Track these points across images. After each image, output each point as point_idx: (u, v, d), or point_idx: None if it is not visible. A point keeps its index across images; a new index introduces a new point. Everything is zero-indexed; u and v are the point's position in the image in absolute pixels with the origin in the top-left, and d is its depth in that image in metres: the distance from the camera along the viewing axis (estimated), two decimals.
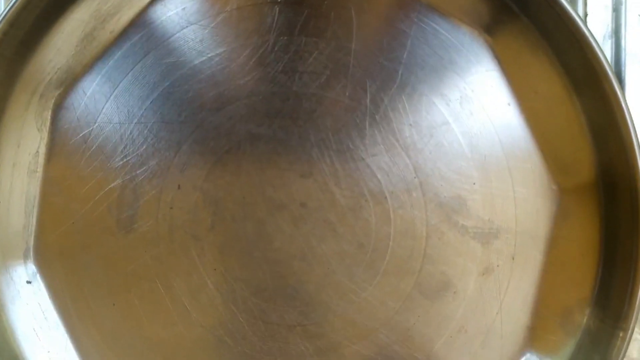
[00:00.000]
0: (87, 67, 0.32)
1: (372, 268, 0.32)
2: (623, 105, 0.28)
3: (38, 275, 0.33)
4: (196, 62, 0.32)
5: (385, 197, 0.32)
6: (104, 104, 0.32)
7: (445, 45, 0.31)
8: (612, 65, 0.39)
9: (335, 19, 0.31)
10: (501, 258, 0.32)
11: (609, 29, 0.39)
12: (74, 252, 0.33)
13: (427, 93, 0.32)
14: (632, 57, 0.39)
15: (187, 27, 0.31)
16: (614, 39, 0.39)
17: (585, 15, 0.39)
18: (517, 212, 0.32)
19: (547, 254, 0.32)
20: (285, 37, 0.31)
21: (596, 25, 0.39)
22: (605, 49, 0.39)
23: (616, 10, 0.39)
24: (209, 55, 0.32)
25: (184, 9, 0.31)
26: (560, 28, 0.29)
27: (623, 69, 0.39)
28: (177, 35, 0.31)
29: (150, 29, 0.31)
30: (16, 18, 0.28)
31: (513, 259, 0.32)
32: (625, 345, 0.30)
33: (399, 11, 0.31)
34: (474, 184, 0.32)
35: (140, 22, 0.31)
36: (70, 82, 0.32)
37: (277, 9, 0.31)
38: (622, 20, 0.39)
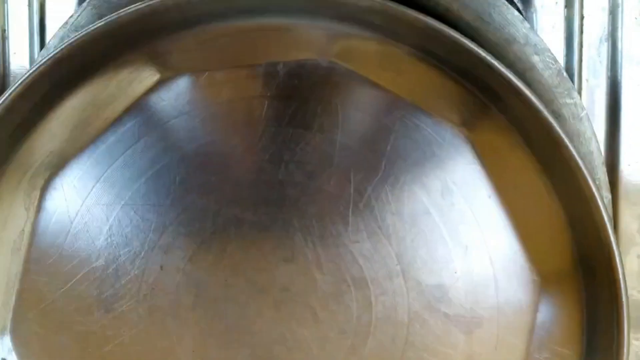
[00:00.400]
0: (80, 151, 0.32)
1: (353, 354, 0.32)
2: (599, 202, 0.29)
3: (13, 352, 0.32)
4: (186, 148, 0.32)
5: (367, 284, 0.32)
6: (93, 185, 0.33)
7: (428, 140, 0.32)
8: (609, 67, 0.40)
9: (322, 113, 0.32)
10: (483, 347, 0.32)
11: (606, 31, 0.40)
12: (52, 330, 0.32)
13: (410, 183, 0.32)
14: (629, 60, 0.40)
15: (179, 116, 0.32)
16: (610, 42, 0.40)
17: (582, 17, 0.40)
18: (499, 301, 0.32)
19: (529, 343, 0.32)
20: (274, 128, 0.32)
21: (592, 27, 0.40)
22: (601, 51, 0.40)
23: (613, 12, 0.40)
24: (199, 143, 0.33)
25: (177, 99, 0.32)
26: (537, 129, 0.30)
27: (619, 71, 0.40)
28: (170, 123, 0.32)
29: (144, 116, 0.32)
30: (14, 104, 0.29)
31: (495, 348, 0.32)
32: None
33: (383, 108, 0.32)
34: (456, 272, 0.32)
35: (134, 110, 0.32)
36: (61, 164, 0.33)
37: (267, 102, 0.32)
38: (619, 23, 0.40)
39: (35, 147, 0.32)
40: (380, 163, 0.32)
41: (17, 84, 0.29)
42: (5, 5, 0.42)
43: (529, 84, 0.31)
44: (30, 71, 0.29)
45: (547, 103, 0.31)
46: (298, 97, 0.31)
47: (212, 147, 0.32)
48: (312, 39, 0.32)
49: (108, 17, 0.29)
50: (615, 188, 0.41)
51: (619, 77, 0.40)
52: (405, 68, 0.32)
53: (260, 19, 0.32)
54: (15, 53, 0.42)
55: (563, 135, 0.29)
